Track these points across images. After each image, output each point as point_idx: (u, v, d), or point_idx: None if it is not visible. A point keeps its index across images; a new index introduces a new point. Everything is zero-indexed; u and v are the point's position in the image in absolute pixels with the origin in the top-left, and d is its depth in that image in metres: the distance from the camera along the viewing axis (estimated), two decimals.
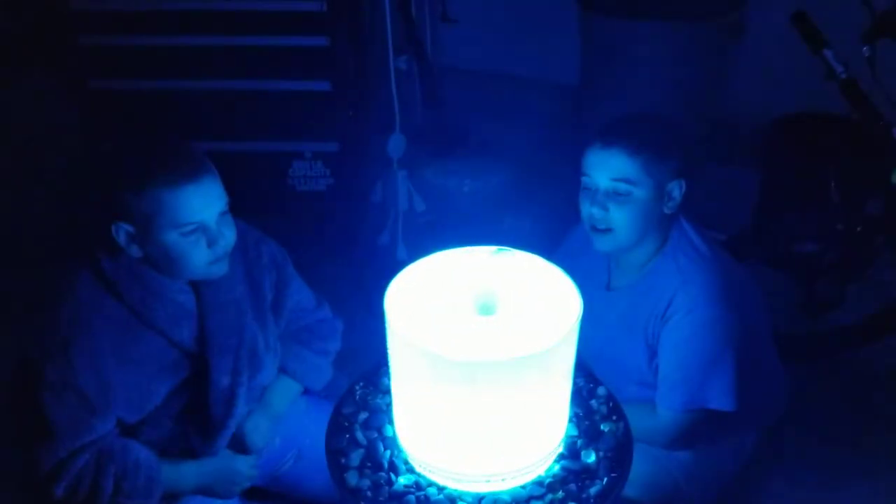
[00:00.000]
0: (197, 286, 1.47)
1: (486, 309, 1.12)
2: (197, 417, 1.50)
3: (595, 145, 1.51)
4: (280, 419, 1.62)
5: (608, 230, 1.52)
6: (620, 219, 1.50)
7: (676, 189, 1.52)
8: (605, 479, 1.17)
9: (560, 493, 1.14)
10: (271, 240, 1.63)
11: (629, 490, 1.26)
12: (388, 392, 1.27)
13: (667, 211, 1.53)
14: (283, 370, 1.66)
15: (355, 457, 1.21)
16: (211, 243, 1.37)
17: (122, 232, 1.35)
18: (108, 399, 1.38)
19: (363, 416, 1.28)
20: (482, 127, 3.13)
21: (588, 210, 1.52)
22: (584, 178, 1.54)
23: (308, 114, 2.49)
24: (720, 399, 1.51)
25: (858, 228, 2.29)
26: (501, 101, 3.41)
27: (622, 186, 1.49)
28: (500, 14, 3.36)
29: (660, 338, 1.55)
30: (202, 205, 1.35)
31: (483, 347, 1.05)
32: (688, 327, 1.51)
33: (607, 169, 1.49)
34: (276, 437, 1.63)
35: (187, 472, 1.51)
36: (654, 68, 2.67)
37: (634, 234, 1.53)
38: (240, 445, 1.55)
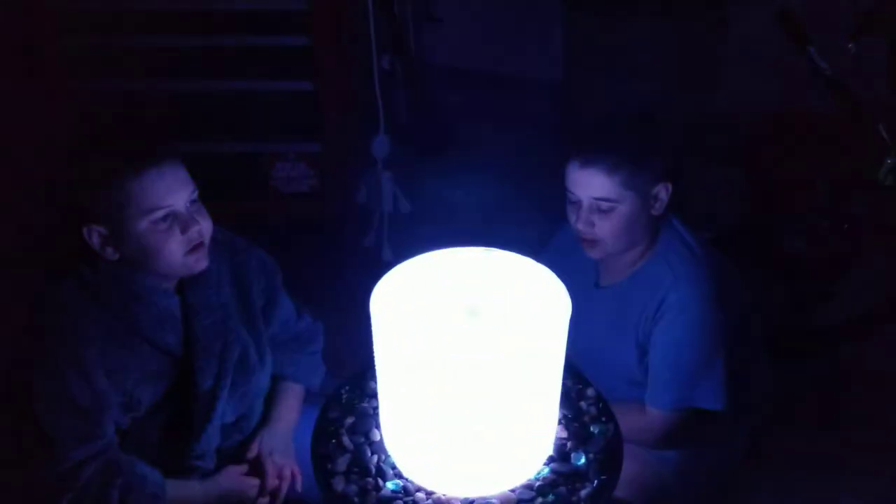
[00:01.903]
0: (182, 290, 1.45)
1: (474, 310, 1.11)
2: (179, 422, 1.48)
3: (573, 163, 1.51)
4: (293, 429, 1.61)
5: (596, 240, 1.52)
6: (607, 229, 1.51)
7: (662, 191, 1.52)
8: (596, 482, 1.16)
9: (550, 497, 1.13)
10: (261, 249, 1.61)
11: (619, 491, 1.25)
12: (374, 396, 1.25)
13: (654, 213, 1.53)
14: (281, 377, 1.65)
15: (342, 462, 1.19)
16: (185, 229, 1.36)
17: (94, 234, 1.33)
18: (101, 406, 1.36)
19: (349, 420, 1.26)
20: (468, 126, 3.12)
21: (574, 224, 1.53)
22: (567, 193, 1.54)
23: (290, 114, 2.47)
24: (710, 399, 1.51)
25: (845, 226, 2.30)
26: (487, 99, 3.40)
27: (604, 204, 1.49)
28: (485, 13, 3.36)
29: (650, 337, 1.55)
30: (168, 188, 1.34)
31: (470, 349, 1.04)
32: (679, 327, 1.51)
33: (588, 188, 1.50)
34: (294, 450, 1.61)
35: (193, 491, 1.49)
36: (638, 66, 2.67)
37: (623, 240, 1.53)
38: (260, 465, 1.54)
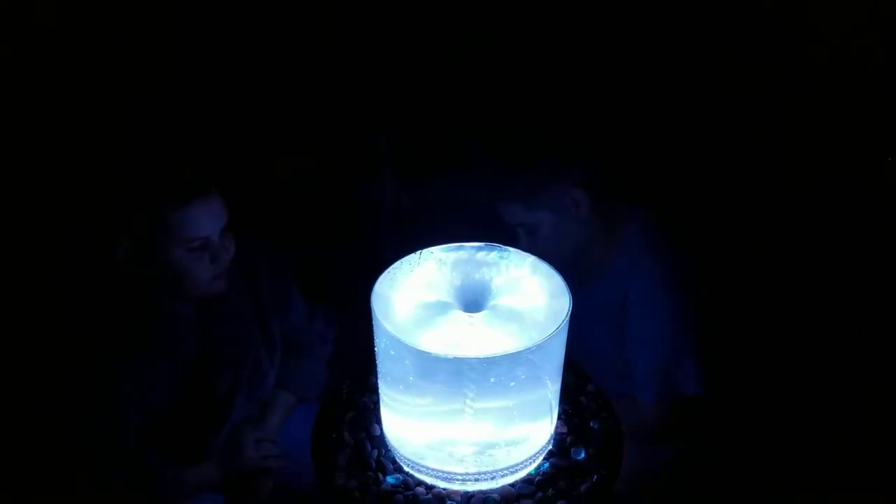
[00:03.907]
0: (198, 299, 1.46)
1: (474, 306, 1.11)
2: (194, 425, 1.49)
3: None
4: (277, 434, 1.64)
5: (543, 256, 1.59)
6: (545, 244, 1.56)
7: (580, 197, 1.56)
8: (596, 477, 1.16)
9: (550, 492, 1.13)
10: (273, 251, 1.62)
11: (618, 486, 1.26)
12: (375, 391, 1.25)
13: (581, 216, 1.57)
14: (280, 386, 1.65)
15: (342, 457, 1.19)
16: (214, 258, 1.36)
17: (120, 249, 1.33)
18: (123, 411, 1.39)
19: (350, 415, 1.26)
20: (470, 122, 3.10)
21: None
22: None
23: (291, 110, 2.46)
24: (692, 383, 1.53)
25: None
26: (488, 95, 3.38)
27: (525, 226, 1.58)
28: None
29: (624, 331, 1.57)
30: (208, 220, 1.34)
31: (471, 345, 1.04)
32: (646, 316, 1.53)
33: (509, 217, 1.60)
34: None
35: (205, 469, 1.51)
36: None
37: (568, 247, 1.58)
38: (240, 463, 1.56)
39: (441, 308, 1.11)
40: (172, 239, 1.32)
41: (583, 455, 1.19)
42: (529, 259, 1.16)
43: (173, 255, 1.33)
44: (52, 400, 1.36)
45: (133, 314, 1.39)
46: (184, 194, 1.33)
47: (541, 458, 1.17)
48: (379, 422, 1.23)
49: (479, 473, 1.11)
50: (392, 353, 1.06)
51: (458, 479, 1.12)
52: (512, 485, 1.13)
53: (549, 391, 1.12)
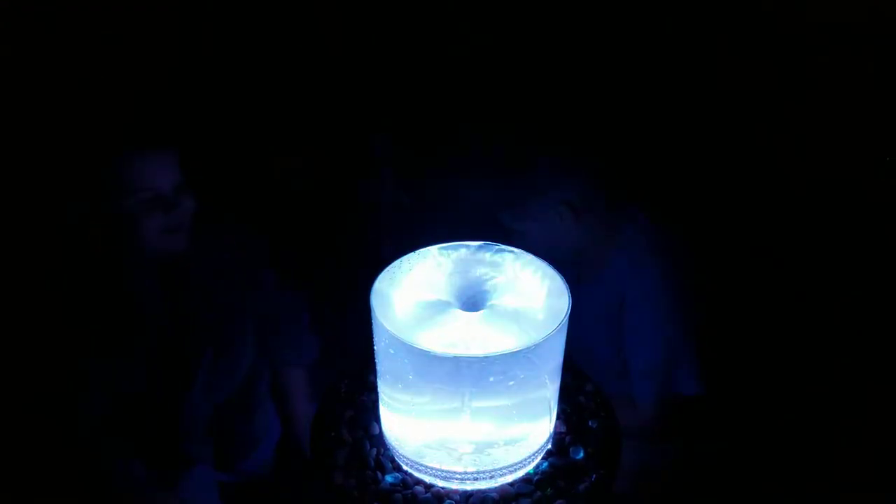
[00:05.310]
0: (168, 274, 1.46)
1: (473, 304, 1.11)
2: (167, 403, 1.49)
3: None
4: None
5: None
6: (535, 244, 1.57)
7: (563, 208, 1.57)
8: (594, 476, 1.16)
9: (549, 491, 1.13)
10: (255, 235, 1.62)
11: (617, 486, 1.26)
12: (373, 389, 1.25)
13: (566, 223, 1.58)
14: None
15: (341, 455, 1.19)
16: (168, 210, 1.36)
17: (75, 211, 1.33)
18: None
19: (348, 413, 1.26)
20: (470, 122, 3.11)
21: None
22: None
23: (291, 108, 2.47)
24: (690, 383, 1.53)
25: None
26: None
27: (515, 232, 1.63)
28: None
29: (623, 330, 1.58)
30: (156, 169, 1.34)
31: (470, 343, 1.04)
32: (645, 317, 1.54)
33: (502, 221, 1.65)
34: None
35: None
36: None
37: (561, 249, 1.58)
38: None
39: (440, 307, 1.11)
40: (121, 190, 1.32)
41: (581, 454, 1.19)
42: (528, 258, 1.16)
43: (123, 207, 1.33)
44: (52, 400, 1.36)
45: (103, 287, 1.39)
46: (133, 144, 1.33)
47: (539, 458, 1.17)
48: (378, 420, 1.23)
49: (478, 472, 1.11)
50: (391, 351, 1.06)
51: (456, 478, 1.12)
52: (511, 484, 1.13)
53: (548, 390, 1.12)
